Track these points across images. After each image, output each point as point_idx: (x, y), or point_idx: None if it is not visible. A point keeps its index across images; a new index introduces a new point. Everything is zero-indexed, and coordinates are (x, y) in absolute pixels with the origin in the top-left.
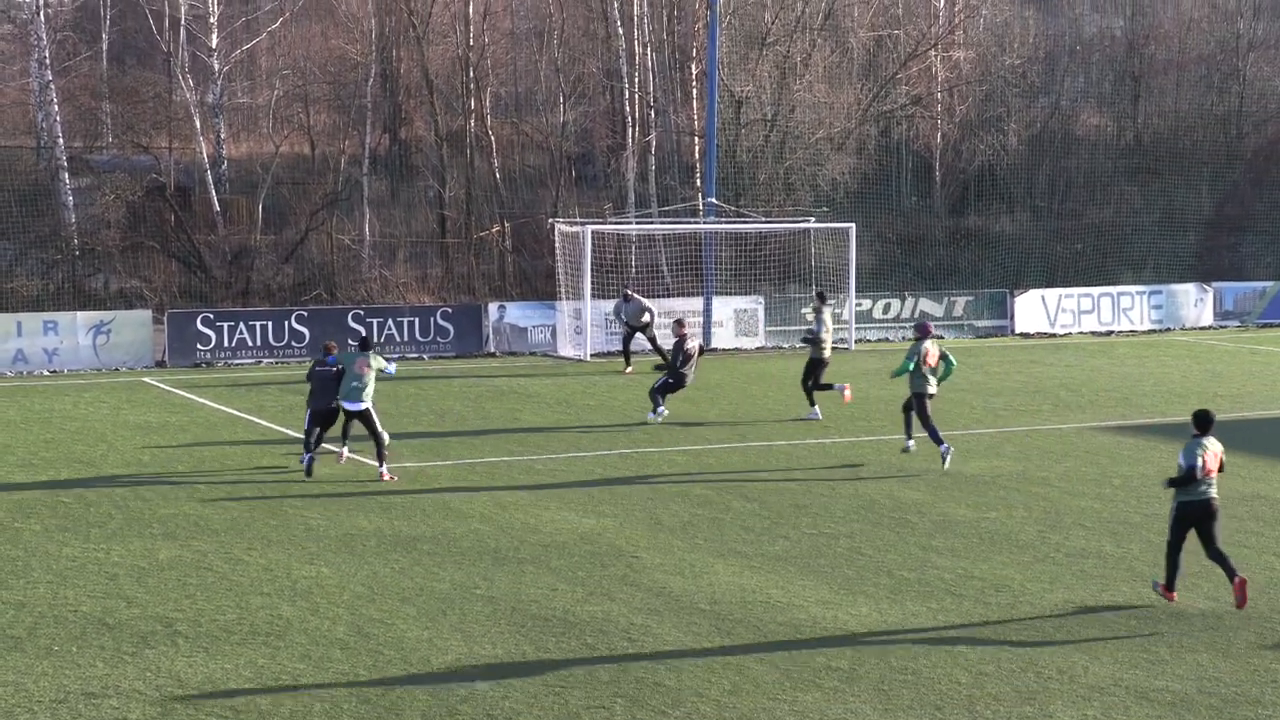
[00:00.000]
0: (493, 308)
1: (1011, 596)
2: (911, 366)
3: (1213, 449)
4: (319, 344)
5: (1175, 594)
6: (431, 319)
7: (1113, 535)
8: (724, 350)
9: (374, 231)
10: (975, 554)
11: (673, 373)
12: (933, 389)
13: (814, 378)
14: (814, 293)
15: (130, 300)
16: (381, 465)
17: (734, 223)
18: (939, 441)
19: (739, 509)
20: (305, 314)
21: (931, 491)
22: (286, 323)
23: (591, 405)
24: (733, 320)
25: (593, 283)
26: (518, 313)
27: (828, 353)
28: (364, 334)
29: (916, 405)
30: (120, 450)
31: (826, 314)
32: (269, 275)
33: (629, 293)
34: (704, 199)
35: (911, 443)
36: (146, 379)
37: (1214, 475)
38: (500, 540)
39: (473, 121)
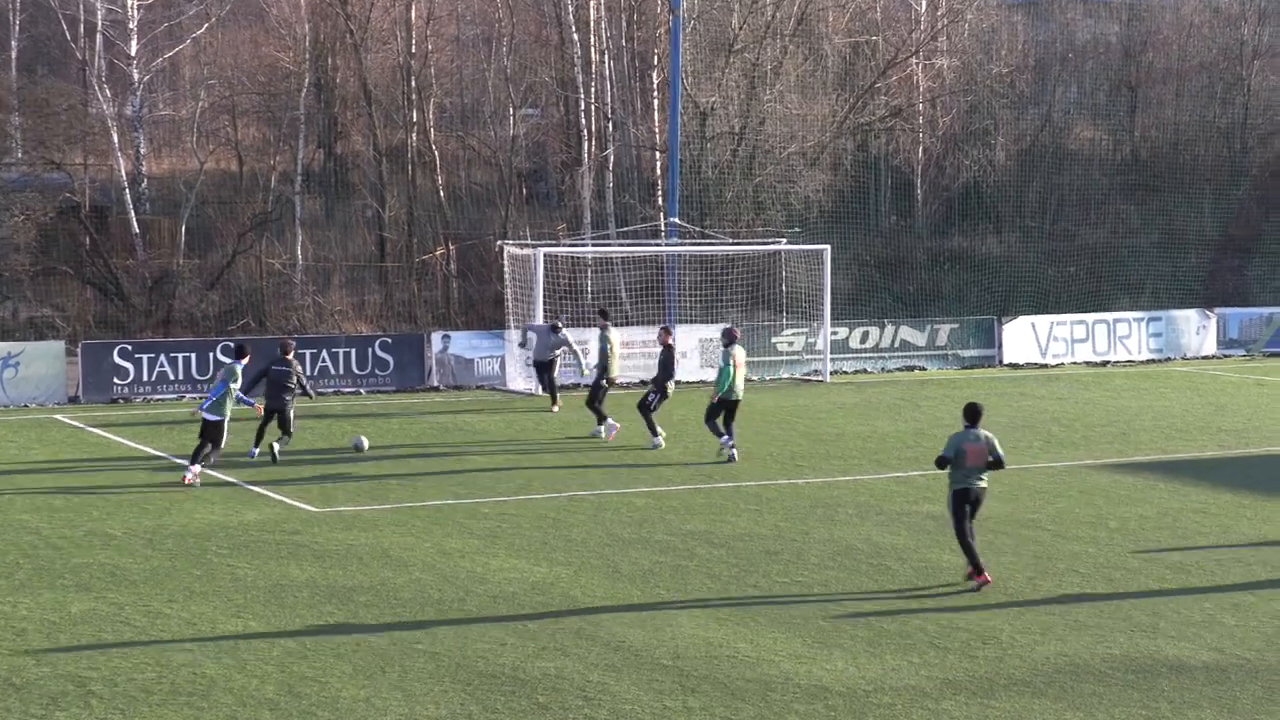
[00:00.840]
0: (436, 337)
1: (999, 649)
2: (732, 373)
3: (981, 442)
4: (246, 376)
5: (987, 575)
6: (370, 350)
7: (1109, 582)
8: (688, 383)
9: (307, 255)
10: (960, 603)
11: (659, 386)
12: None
13: (597, 400)
14: (597, 311)
15: (41, 330)
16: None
17: (699, 244)
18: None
19: (704, 556)
20: (232, 345)
21: (913, 535)
22: (212, 354)
23: (544, 444)
24: (698, 350)
25: (546, 309)
26: (464, 343)
27: (614, 376)
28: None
29: (725, 411)
30: (29, 494)
31: (613, 336)
32: (192, 303)
33: (558, 324)
34: (666, 219)
35: (728, 439)
36: (59, 416)
37: (981, 465)
38: (444, 591)
39: (415, 135)
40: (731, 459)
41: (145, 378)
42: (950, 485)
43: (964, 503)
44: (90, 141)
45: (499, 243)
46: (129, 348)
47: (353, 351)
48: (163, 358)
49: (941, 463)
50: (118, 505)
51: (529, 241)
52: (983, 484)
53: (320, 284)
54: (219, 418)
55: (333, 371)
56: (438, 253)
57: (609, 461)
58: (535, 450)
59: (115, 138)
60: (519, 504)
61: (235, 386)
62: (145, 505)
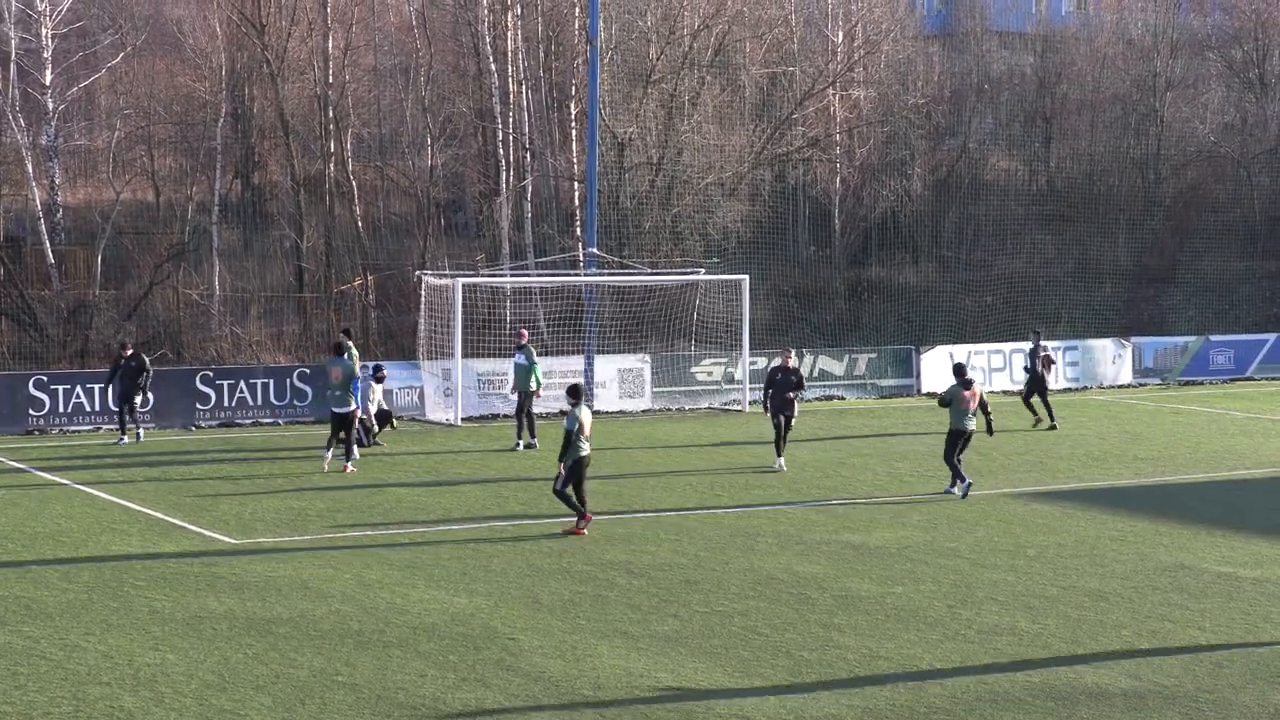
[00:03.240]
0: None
1: (920, 678)
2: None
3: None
4: (165, 407)
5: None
6: (288, 380)
7: (1028, 610)
8: (607, 413)
9: (225, 285)
10: (881, 632)
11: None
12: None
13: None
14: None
15: None
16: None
17: (617, 274)
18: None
19: (624, 586)
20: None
21: (833, 565)
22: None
23: (463, 474)
24: (617, 381)
25: (464, 340)
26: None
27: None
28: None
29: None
30: None
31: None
32: (109, 334)
33: (375, 368)
34: (584, 249)
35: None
36: None
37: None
38: (364, 622)
39: (332, 165)
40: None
41: (61, 409)
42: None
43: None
44: (4, 171)
45: (417, 273)
46: (44, 379)
47: (271, 382)
48: (79, 389)
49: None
50: (32, 538)
51: (448, 272)
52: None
53: (238, 314)
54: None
55: (251, 402)
56: (356, 283)
57: (529, 491)
58: (455, 481)
59: (30, 167)
60: (439, 534)
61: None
62: (61, 538)
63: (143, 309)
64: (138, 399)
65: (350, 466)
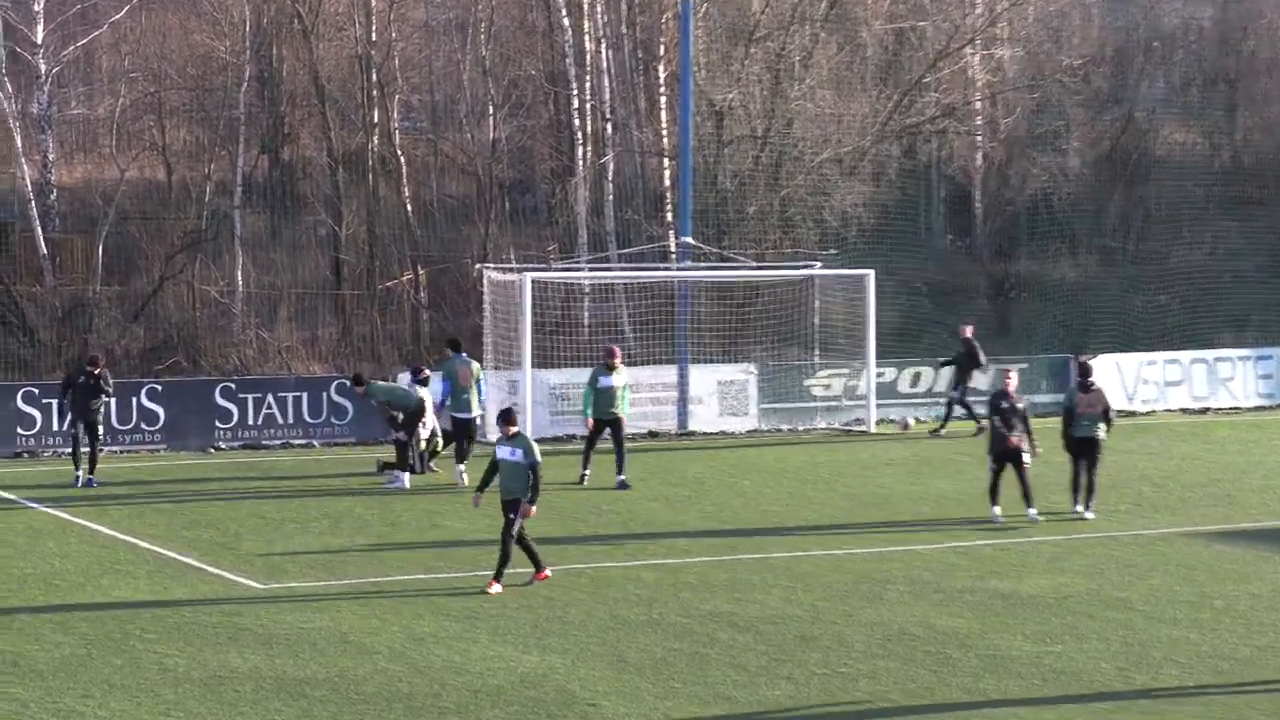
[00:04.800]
0: (403, 379)
1: None
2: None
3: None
4: (178, 425)
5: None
6: (324, 394)
7: (1216, 674)
8: (704, 434)
9: (249, 281)
10: (1038, 695)
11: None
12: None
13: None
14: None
15: None
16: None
17: (716, 269)
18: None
19: (727, 642)
20: (159, 388)
21: (978, 617)
22: (135, 399)
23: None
24: (716, 395)
25: (534, 346)
26: (436, 385)
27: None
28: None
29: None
30: None
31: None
32: (112, 338)
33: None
34: (677, 238)
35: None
36: None
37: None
38: (415, 684)
39: (376, 138)
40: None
41: (56, 427)
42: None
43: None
44: None
45: (477, 266)
46: (35, 391)
47: (304, 396)
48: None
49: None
50: (21, 581)
51: (514, 265)
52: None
53: (265, 315)
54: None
55: (280, 420)
56: (404, 278)
57: (613, 529)
58: None
59: (18, 140)
60: (505, 578)
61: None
62: (54, 581)
63: (151, 308)
64: (99, 426)
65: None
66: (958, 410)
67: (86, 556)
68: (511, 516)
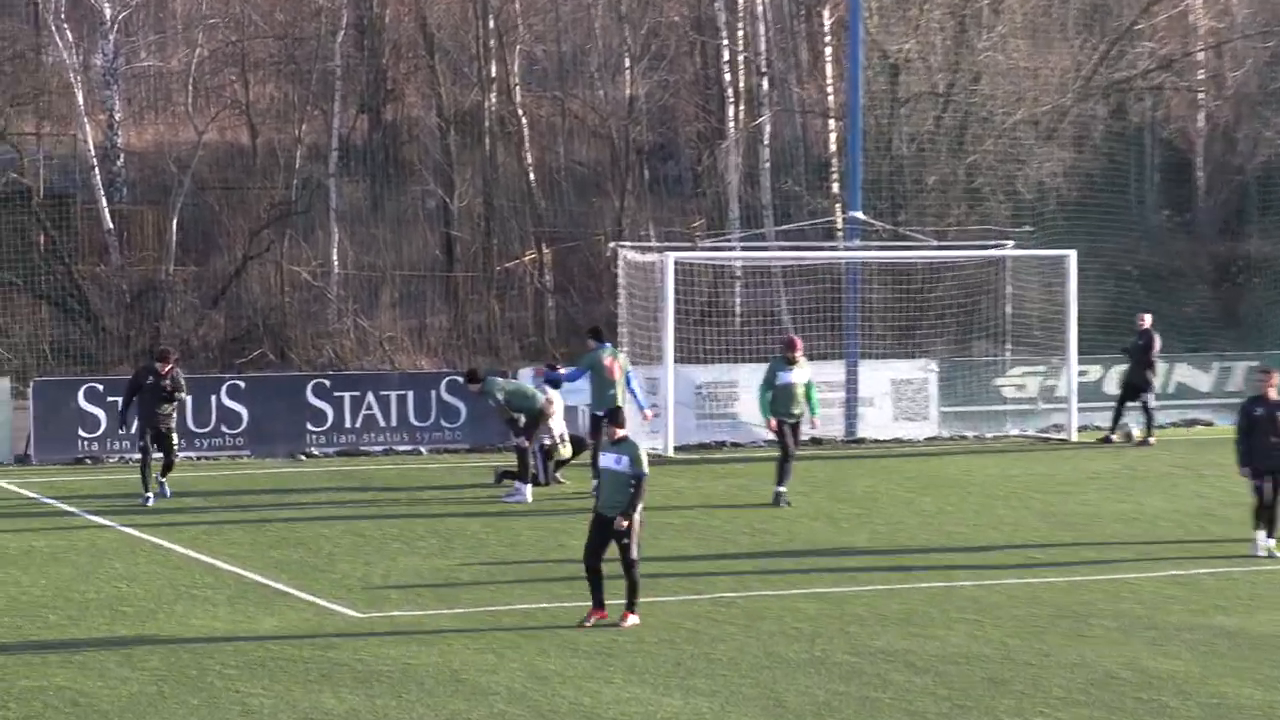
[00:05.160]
0: (524, 374)
1: None
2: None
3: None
4: (263, 428)
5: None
6: (433, 393)
7: None
8: (876, 441)
9: (346, 261)
10: None
11: None
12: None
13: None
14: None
15: None
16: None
17: (889, 249)
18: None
19: (901, 684)
20: (241, 385)
21: (1199, 660)
22: (214, 398)
23: (676, 525)
24: (890, 396)
25: (677, 338)
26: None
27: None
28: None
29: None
30: None
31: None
32: (187, 326)
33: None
34: (844, 213)
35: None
36: (1, 482)
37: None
38: None
39: (494, 96)
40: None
41: (122, 429)
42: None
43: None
44: (45, 103)
45: (611, 245)
46: (99, 387)
47: (409, 395)
48: None
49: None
50: (83, 607)
51: (653, 243)
52: None
53: (365, 301)
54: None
55: (382, 422)
56: (526, 258)
57: (769, 552)
58: (665, 533)
59: (80, 97)
60: (642, 608)
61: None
62: (121, 608)
63: (233, 292)
64: (173, 434)
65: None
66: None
67: (157, 579)
68: (626, 542)
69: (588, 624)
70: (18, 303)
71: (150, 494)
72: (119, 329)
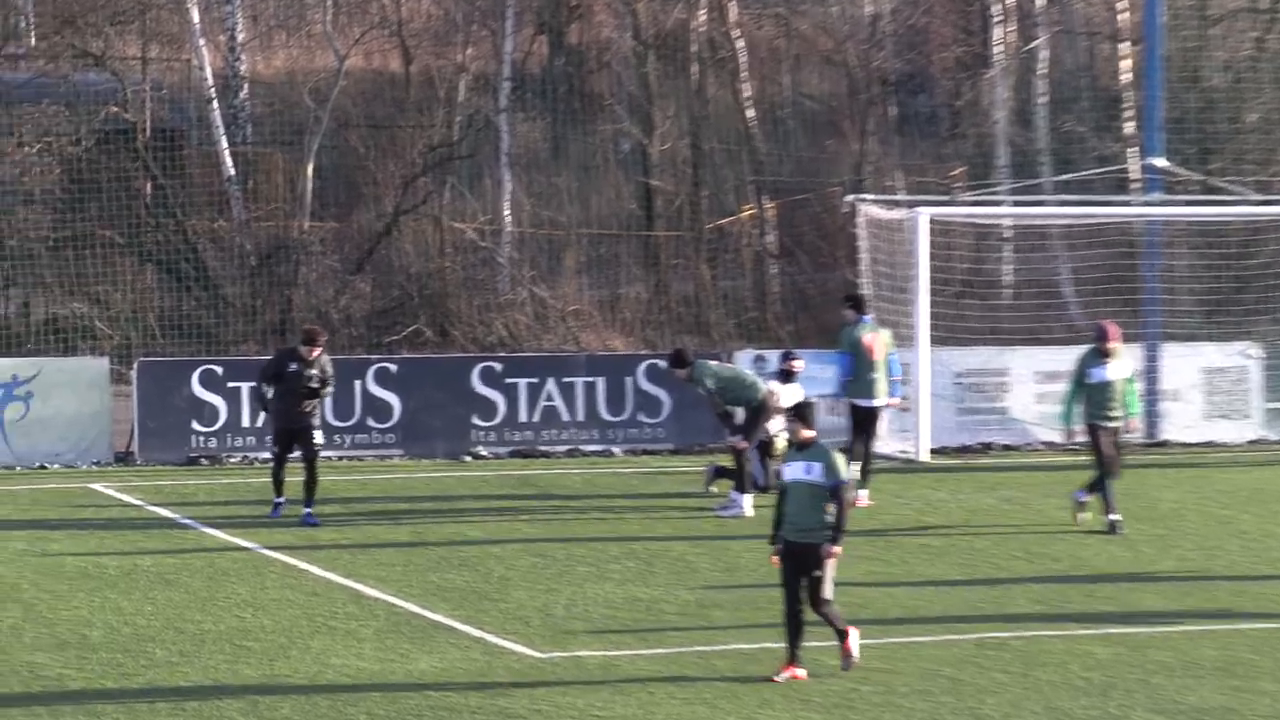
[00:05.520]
0: (742, 358)
1: None
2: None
3: None
4: (419, 422)
5: None
6: (628, 380)
7: None
8: (1182, 445)
9: (521, 217)
10: None
11: None
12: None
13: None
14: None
15: (70, 339)
16: None
17: (1199, 204)
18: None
19: None
20: (392, 369)
21: None
22: (359, 384)
23: (934, 546)
24: (1201, 388)
25: (933, 313)
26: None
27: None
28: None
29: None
30: (46, 621)
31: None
32: (325, 296)
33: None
34: (1141, 159)
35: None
36: (96, 485)
37: None
38: None
39: (703, 14)
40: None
41: (245, 423)
42: None
43: None
44: (152, 21)
45: (849, 199)
46: (217, 370)
47: (599, 382)
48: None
49: None
50: (197, 642)
51: (902, 197)
52: None
53: (544, 266)
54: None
55: (565, 415)
56: (744, 214)
57: (1047, 576)
58: (918, 557)
59: (194, 14)
60: (890, 650)
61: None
62: (244, 642)
63: (382, 255)
64: (316, 432)
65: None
66: None
67: (289, 608)
68: (818, 574)
69: (778, 679)
70: (119, 266)
71: (283, 498)
72: (242, 298)
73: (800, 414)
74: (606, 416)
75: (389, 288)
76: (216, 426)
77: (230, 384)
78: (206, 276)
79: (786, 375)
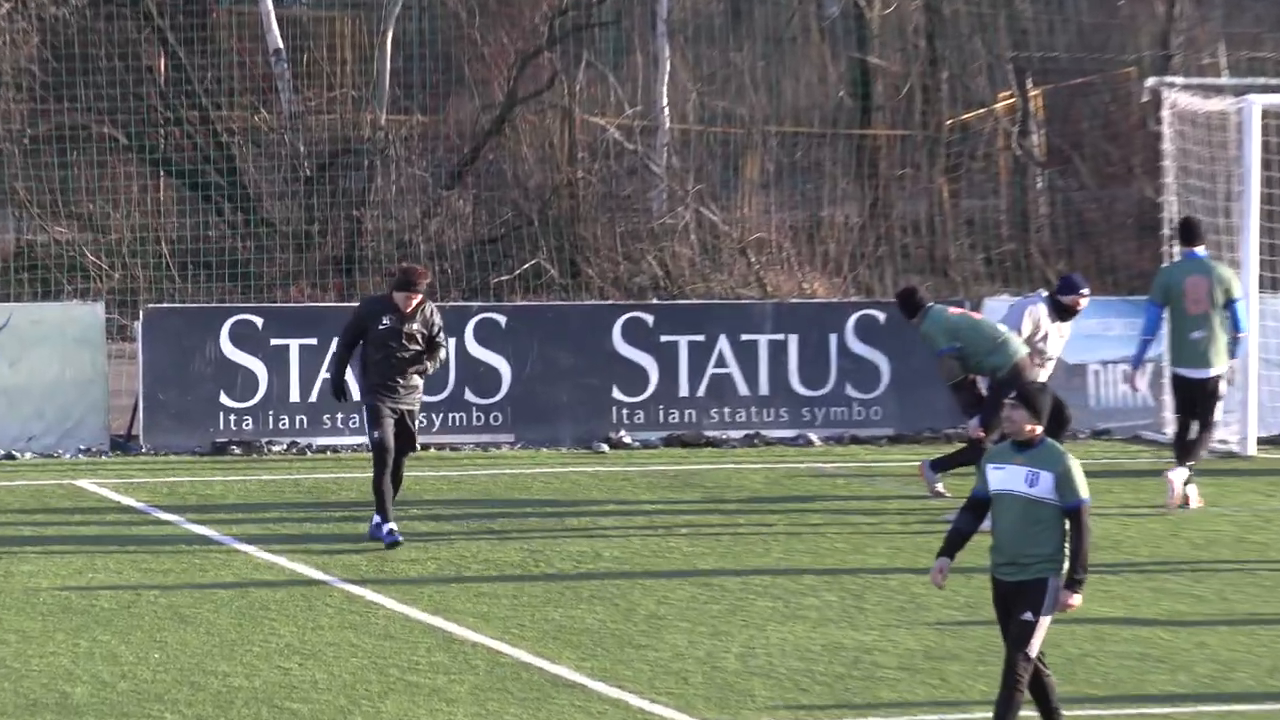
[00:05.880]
0: (994, 309)
1: None
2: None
3: None
4: (536, 396)
5: None
6: (832, 339)
7: None
8: None
9: (683, 109)
10: None
11: None
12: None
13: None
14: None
15: (48, 276)
16: None
17: None
18: None
19: None
20: (501, 320)
21: None
22: (453, 342)
23: (1266, 584)
24: None
25: (1269, 244)
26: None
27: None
28: None
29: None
30: (13, 674)
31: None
32: (409, 220)
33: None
34: None
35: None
36: (85, 481)
37: None
38: None
39: None
40: None
41: (295, 394)
42: None
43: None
44: None
45: (1150, 82)
46: (255, 322)
47: (792, 342)
48: (337, 341)
49: None
50: (224, 702)
51: (1223, 79)
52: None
53: (716, 178)
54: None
55: (743, 388)
56: (999, 104)
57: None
58: (1237, 592)
59: None
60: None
61: None
62: (287, 703)
63: (489, 161)
64: (414, 424)
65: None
66: None
67: (352, 655)
68: (1028, 617)
69: None
70: (121, 176)
71: (393, 524)
72: (293, 222)
73: (1026, 398)
74: (800, 390)
75: (498, 208)
76: (254, 401)
77: (275, 341)
78: (243, 191)
79: (1063, 311)
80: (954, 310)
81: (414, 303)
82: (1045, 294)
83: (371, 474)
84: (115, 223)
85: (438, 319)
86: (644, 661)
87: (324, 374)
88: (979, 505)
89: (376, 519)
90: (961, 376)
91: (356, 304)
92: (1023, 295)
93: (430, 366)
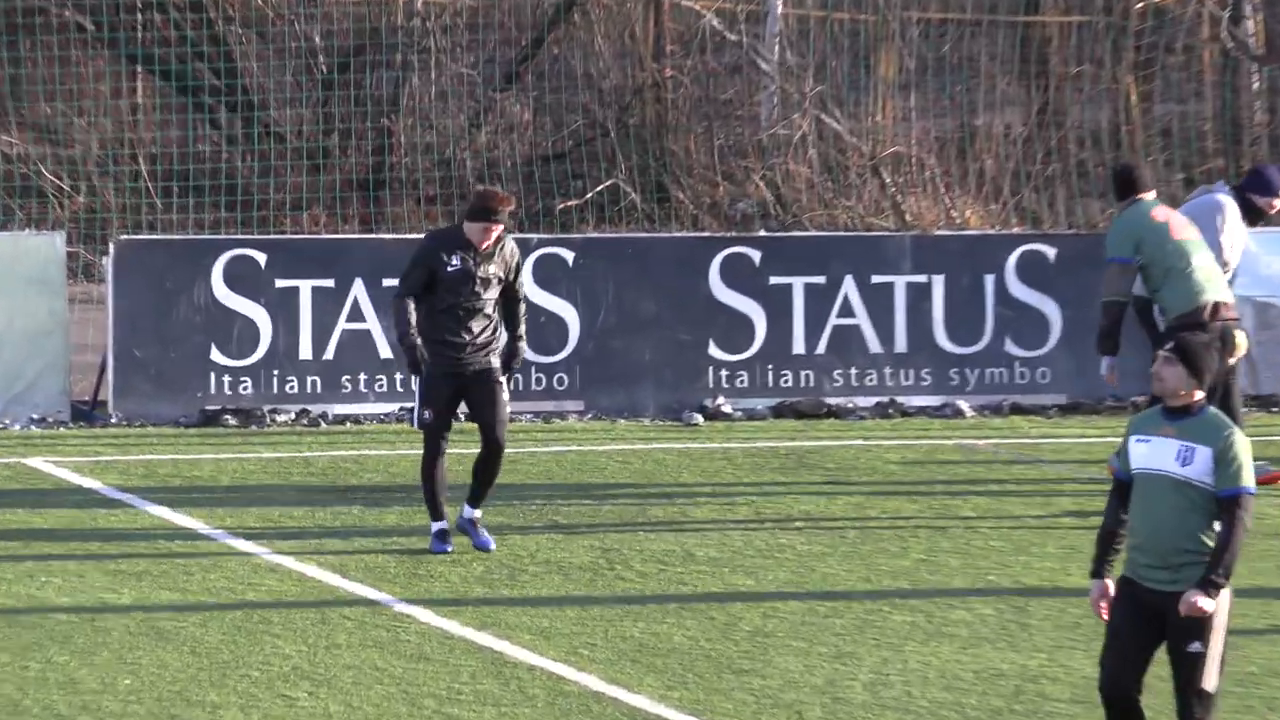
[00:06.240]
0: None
1: None
2: None
3: None
4: (612, 354)
5: None
6: (988, 281)
7: None
8: None
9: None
10: None
11: None
12: None
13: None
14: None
15: None
16: None
17: None
18: None
19: None
20: (568, 256)
21: None
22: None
23: None
24: None
25: None
26: None
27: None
28: None
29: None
30: None
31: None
32: (454, 129)
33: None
34: None
35: None
36: (36, 460)
37: None
38: None
39: None
40: None
41: (307, 352)
42: None
43: None
44: None
45: None
46: (258, 259)
47: (937, 284)
48: (360, 283)
49: None
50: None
51: None
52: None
53: (842, 78)
54: None
55: (875, 345)
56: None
57: None
58: None
59: None
60: None
61: None
62: None
63: (552, 54)
64: (503, 394)
65: None
66: None
67: (377, 681)
68: (1197, 649)
69: None
70: (87, 70)
71: (445, 524)
72: (305, 132)
73: (1184, 351)
74: (948, 346)
75: (565, 115)
76: (254, 358)
77: (281, 282)
78: (243, 94)
79: (1252, 213)
80: (1159, 212)
81: (493, 236)
82: (1228, 187)
83: (420, 460)
84: (80, 133)
85: (518, 259)
86: (747, 691)
87: (388, 334)
88: (1126, 490)
89: (435, 527)
90: (1124, 300)
91: (385, 237)
92: (1201, 188)
93: (519, 353)
